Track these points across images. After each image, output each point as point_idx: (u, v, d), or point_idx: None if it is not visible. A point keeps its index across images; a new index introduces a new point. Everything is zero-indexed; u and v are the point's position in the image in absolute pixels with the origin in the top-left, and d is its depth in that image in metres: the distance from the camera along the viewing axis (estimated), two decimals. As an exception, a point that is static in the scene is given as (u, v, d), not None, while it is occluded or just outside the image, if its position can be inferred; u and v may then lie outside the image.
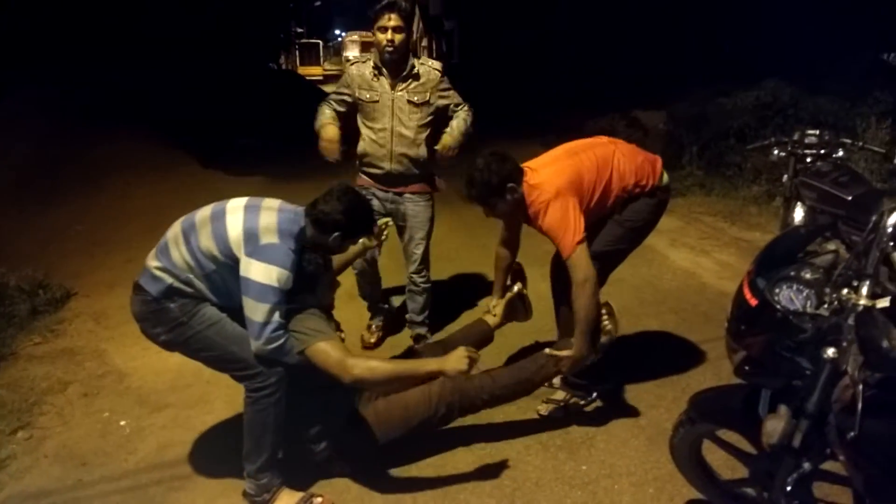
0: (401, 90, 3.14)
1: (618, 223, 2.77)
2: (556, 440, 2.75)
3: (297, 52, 32.87)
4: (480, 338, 2.94)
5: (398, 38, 3.06)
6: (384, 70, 3.15)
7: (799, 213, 3.73)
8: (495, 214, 2.76)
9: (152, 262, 2.31)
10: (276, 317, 2.20)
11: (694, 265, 4.90)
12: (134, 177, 7.79)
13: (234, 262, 2.23)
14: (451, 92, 3.28)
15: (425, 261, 3.48)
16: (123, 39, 10.74)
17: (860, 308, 1.38)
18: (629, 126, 10.08)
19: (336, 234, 2.37)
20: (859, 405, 1.24)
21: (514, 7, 12.68)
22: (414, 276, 3.48)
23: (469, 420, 2.86)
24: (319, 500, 2.41)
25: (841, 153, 3.70)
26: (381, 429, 2.50)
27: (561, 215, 2.53)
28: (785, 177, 3.97)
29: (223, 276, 2.28)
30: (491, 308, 3.07)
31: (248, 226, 2.22)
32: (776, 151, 3.94)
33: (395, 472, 2.60)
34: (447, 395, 2.54)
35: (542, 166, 2.70)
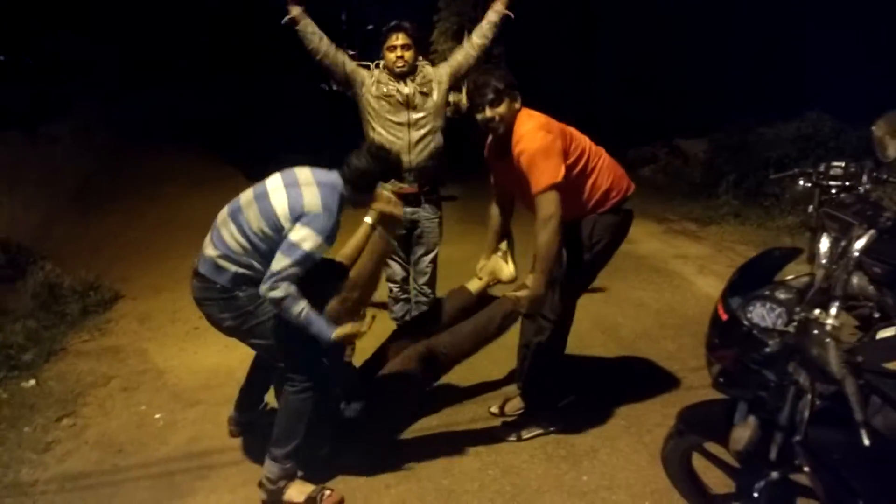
0: (411, 85, 3.38)
1: (587, 248, 2.77)
2: (561, 451, 2.84)
3: (350, 74, 33.73)
4: (463, 304, 3.01)
5: (407, 54, 3.35)
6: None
7: (825, 244, 3.75)
8: (490, 120, 2.62)
9: (212, 252, 2.45)
10: (289, 273, 2.31)
11: (720, 292, 4.90)
12: (185, 189, 8.18)
13: (277, 235, 2.39)
14: (450, 58, 3.53)
15: (434, 273, 3.70)
16: (180, 60, 11.30)
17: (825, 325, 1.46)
18: (670, 154, 10.11)
19: (371, 191, 2.62)
20: (806, 412, 1.33)
21: (560, 34, 12.83)
22: (424, 287, 3.68)
23: (479, 424, 3.03)
24: (329, 492, 2.56)
25: (867, 185, 3.72)
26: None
27: (544, 151, 2.50)
28: (810, 208, 4.00)
29: (269, 253, 2.41)
30: (478, 270, 3.10)
31: (292, 203, 2.39)
32: (801, 182, 3.97)
33: (403, 473, 2.73)
34: (410, 359, 2.74)
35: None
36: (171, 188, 8.25)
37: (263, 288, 2.33)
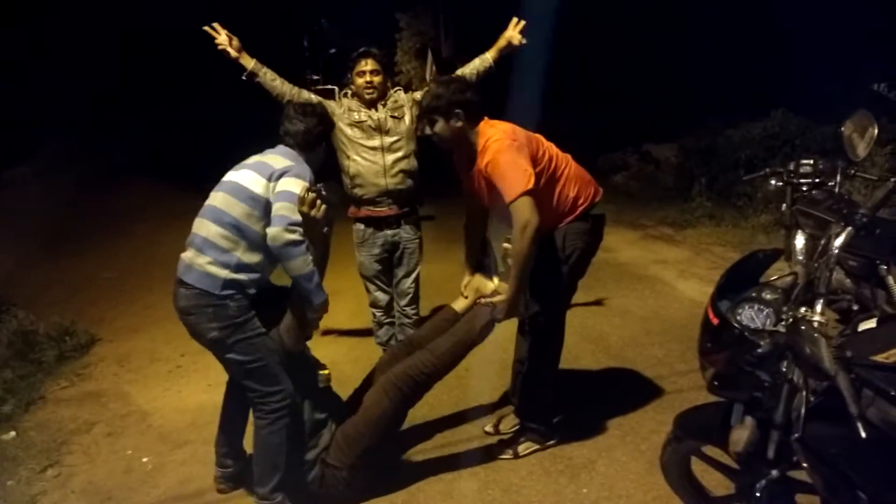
0: (382, 110, 3.40)
1: (563, 260, 2.76)
2: (559, 465, 2.83)
3: (314, 99, 34.02)
4: (449, 325, 2.95)
5: (376, 80, 3.37)
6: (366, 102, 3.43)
7: (800, 241, 3.81)
8: (434, 136, 2.71)
9: (201, 259, 2.40)
10: (300, 220, 2.38)
11: (702, 295, 4.95)
12: (157, 225, 8.08)
13: (256, 206, 2.42)
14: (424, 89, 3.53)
15: (417, 293, 3.69)
16: (143, 95, 11.25)
17: (813, 323, 1.48)
18: (641, 160, 10.23)
19: (321, 145, 2.75)
20: (802, 409, 1.34)
21: (524, 47, 13.05)
22: (406, 308, 3.67)
23: (475, 444, 3.01)
24: None
25: (837, 180, 3.79)
26: (355, 444, 2.63)
27: (512, 158, 2.47)
28: (783, 206, 4.06)
29: (255, 234, 2.43)
30: (462, 288, 3.05)
31: (261, 170, 2.47)
32: (773, 181, 4.04)
33: (401, 498, 2.70)
34: (391, 382, 2.67)
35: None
36: (143, 225, 8.15)
37: (277, 230, 2.33)
